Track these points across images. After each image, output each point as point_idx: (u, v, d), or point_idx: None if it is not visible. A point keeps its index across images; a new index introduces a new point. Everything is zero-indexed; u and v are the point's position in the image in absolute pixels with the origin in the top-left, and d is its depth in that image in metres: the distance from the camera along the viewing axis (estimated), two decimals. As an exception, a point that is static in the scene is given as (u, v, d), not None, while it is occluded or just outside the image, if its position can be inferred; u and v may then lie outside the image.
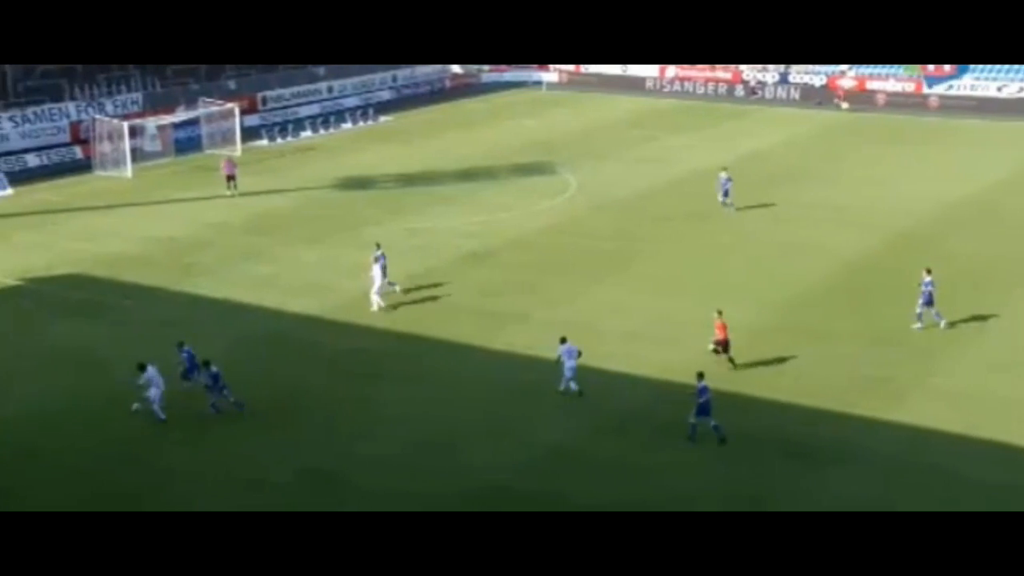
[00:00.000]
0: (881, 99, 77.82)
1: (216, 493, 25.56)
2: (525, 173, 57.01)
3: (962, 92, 76.08)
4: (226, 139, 63.28)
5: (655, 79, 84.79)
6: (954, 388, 30.90)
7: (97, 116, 61.53)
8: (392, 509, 23.73)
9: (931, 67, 77.09)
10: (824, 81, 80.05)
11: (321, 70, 78.28)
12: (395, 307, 37.03)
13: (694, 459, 27.06)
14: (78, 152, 62.09)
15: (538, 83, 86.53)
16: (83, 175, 58.13)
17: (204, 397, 29.71)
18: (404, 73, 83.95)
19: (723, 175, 49.09)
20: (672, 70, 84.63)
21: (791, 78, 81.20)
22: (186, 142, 63.40)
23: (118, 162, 58.26)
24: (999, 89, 75.26)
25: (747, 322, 34.94)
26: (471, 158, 60.82)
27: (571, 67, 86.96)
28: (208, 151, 62.22)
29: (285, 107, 74.85)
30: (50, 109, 63.26)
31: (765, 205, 49.76)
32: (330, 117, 72.69)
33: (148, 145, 61.15)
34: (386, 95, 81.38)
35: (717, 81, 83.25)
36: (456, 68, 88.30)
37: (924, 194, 51.77)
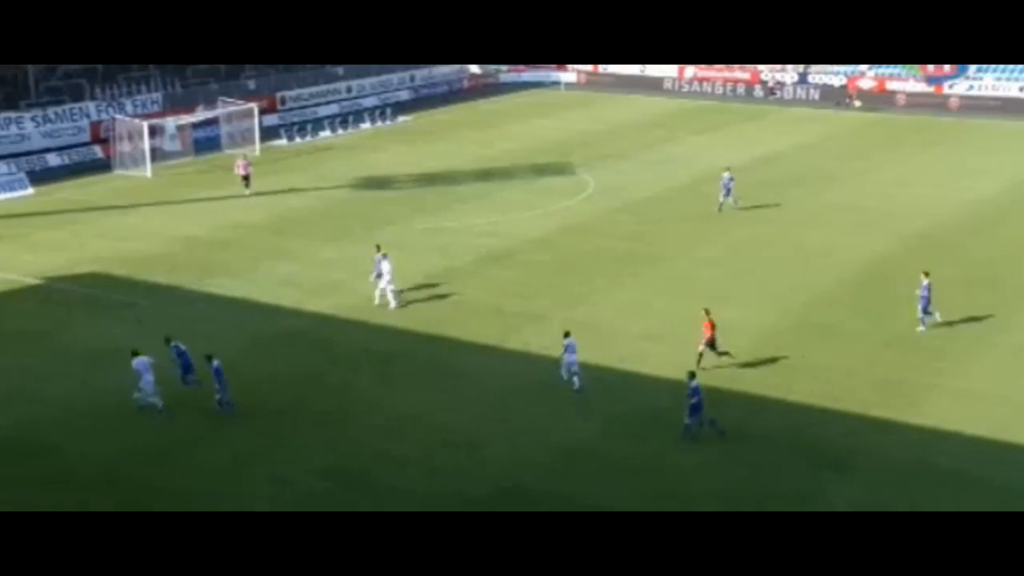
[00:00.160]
0: (901, 100, 77.57)
1: (241, 493, 25.65)
2: (543, 173, 57.09)
3: (983, 92, 75.75)
4: (245, 139, 63.47)
5: (673, 79, 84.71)
6: (971, 390, 30.81)
7: (117, 116, 61.85)
8: (412, 509, 23.89)
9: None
10: (844, 81, 79.84)
11: (340, 70, 78.53)
12: (406, 305, 37.11)
13: (713, 460, 27.05)
14: (98, 152, 62.36)
15: (556, 83, 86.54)
16: (103, 174, 58.43)
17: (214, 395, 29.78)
18: (423, 73, 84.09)
19: (726, 175, 49.07)
20: (690, 70, 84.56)
21: (810, 78, 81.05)
22: (205, 142, 63.66)
23: (138, 162, 58.52)
24: (1021, 89, 74.86)
25: (763, 323, 34.90)
26: (489, 158, 60.95)
27: (589, 67, 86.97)
28: (227, 151, 62.40)
29: (304, 107, 75.09)
30: (71, 109, 63.69)
31: (782, 206, 49.71)
32: (349, 117, 72.82)
33: (168, 145, 61.42)
34: (404, 95, 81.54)
35: (735, 81, 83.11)
36: (474, 68, 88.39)
37: (943, 195, 51.64)
